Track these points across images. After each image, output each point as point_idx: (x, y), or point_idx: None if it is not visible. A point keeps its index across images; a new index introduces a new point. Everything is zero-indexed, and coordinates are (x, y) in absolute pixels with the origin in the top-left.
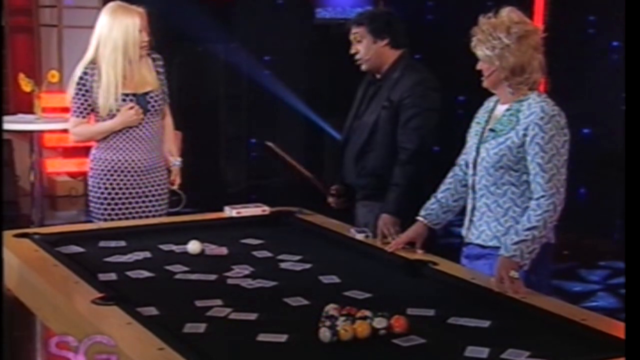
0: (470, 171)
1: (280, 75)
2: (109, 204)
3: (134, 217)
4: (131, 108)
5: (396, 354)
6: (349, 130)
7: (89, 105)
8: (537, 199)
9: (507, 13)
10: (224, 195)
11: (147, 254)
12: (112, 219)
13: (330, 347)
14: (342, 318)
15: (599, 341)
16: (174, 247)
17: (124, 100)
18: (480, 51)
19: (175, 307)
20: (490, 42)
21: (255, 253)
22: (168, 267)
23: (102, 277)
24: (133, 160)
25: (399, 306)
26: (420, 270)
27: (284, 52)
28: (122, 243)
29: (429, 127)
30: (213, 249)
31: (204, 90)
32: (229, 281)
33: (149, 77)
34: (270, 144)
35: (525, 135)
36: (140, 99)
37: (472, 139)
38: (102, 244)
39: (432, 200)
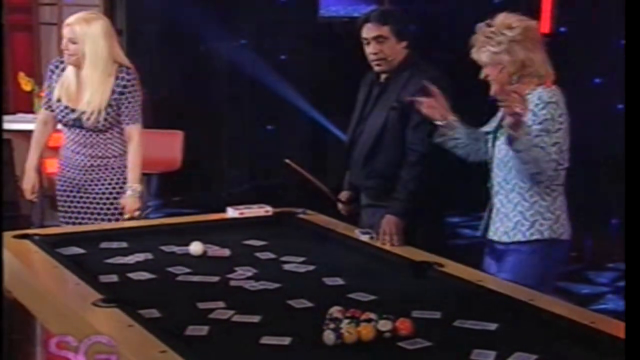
0: (490, 168)
1: (284, 74)
2: (77, 191)
3: (85, 213)
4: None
5: (401, 357)
6: (354, 133)
7: (50, 99)
8: None
9: (503, 16)
10: (226, 196)
11: (149, 256)
12: (69, 214)
13: (335, 350)
14: (347, 320)
15: (608, 344)
16: (175, 249)
17: (62, 110)
18: (485, 52)
19: (177, 310)
20: (495, 39)
21: (258, 254)
22: (170, 269)
23: (103, 278)
24: (75, 161)
25: (404, 308)
26: (426, 272)
27: (287, 51)
28: (124, 244)
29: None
30: (215, 251)
31: (207, 89)
32: (232, 283)
33: (97, 97)
34: (288, 160)
35: None
36: (76, 114)
37: (489, 140)
38: (103, 245)
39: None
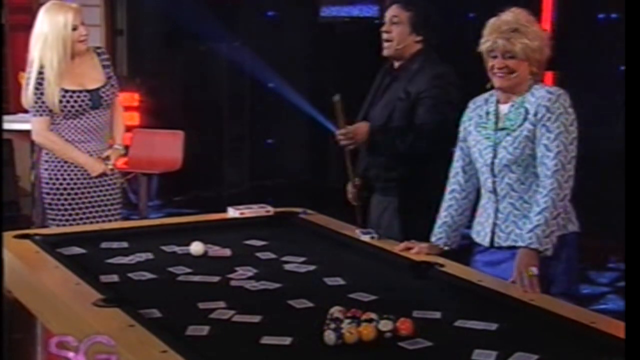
0: (487, 174)
1: (284, 74)
2: (68, 193)
3: (93, 205)
4: (104, 160)
5: (402, 357)
6: (364, 120)
7: (47, 105)
8: (542, 179)
9: (521, 11)
10: (227, 196)
11: (150, 256)
12: (71, 208)
13: (335, 350)
14: (347, 320)
15: (608, 344)
16: (176, 249)
17: (78, 97)
18: (522, 43)
19: (178, 310)
20: (532, 33)
21: (258, 254)
22: (171, 269)
23: (104, 278)
24: (86, 150)
25: (405, 308)
26: (427, 272)
27: (288, 51)
28: (124, 244)
29: (445, 118)
30: (216, 251)
31: (207, 89)
32: (233, 283)
33: (97, 74)
34: (337, 97)
35: (536, 119)
36: (94, 95)
37: (481, 144)
38: (103, 245)
39: (439, 223)
